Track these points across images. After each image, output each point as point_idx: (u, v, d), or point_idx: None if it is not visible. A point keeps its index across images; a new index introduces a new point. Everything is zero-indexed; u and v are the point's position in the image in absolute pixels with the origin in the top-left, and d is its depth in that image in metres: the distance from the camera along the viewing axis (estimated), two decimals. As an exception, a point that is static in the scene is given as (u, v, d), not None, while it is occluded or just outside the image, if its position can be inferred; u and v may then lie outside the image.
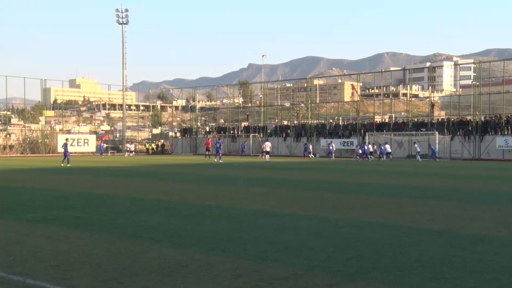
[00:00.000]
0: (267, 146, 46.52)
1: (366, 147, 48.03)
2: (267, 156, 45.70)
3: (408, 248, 7.75)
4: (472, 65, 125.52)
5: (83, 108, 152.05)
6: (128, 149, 60.15)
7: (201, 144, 71.38)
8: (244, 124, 72.52)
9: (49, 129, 76.20)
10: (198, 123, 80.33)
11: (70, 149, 59.42)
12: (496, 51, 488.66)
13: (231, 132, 69.25)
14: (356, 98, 75.99)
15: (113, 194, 15.75)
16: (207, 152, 47.21)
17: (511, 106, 60.11)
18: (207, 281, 5.95)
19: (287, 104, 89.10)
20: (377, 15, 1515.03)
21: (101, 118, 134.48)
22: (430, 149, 46.93)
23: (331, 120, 67.55)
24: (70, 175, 24.88)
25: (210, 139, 53.49)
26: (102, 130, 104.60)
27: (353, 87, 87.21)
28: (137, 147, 74.25)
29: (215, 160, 42.17)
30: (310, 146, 53.92)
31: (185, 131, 75.26)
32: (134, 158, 51.79)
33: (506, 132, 48.69)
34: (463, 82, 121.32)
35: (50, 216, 11.06)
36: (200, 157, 55.45)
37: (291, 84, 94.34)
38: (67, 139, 39.70)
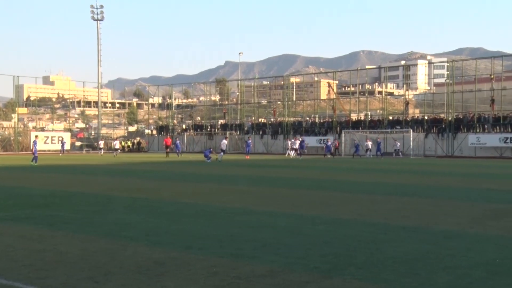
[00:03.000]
0: (297, 143, 47.24)
1: (294, 142, 47.86)
2: (293, 152, 46.92)
3: (383, 244, 7.85)
4: (446, 64, 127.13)
5: (57, 106, 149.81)
6: (113, 146, 58.76)
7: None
8: (221, 121, 72.36)
9: (22, 126, 74.96)
10: (175, 121, 79.91)
11: (44, 147, 59.07)
12: (468, 50, 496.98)
13: (208, 129, 69.07)
14: (332, 96, 76.47)
15: (89, 192, 15.57)
16: (167, 150, 48.64)
17: (483, 104, 61.17)
18: (184, 279, 5.93)
19: (264, 102, 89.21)
20: (353, 14, 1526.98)
21: (76, 116, 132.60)
22: (377, 145, 47.75)
23: (307, 118, 67.89)
24: (44, 173, 24.51)
25: (169, 137, 54.56)
26: (77, 128, 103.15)
27: (329, 85, 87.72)
28: (112, 144, 73.34)
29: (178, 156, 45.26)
30: (289, 143, 53.99)
31: (161, 129, 74.78)
32: (108, 157, 51.24)
33: (478, 130, 49.60)
34: (436, 80, 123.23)
35: (23, 214, 10.88)
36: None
37: (268, 82, 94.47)
38: (36, 137, 38.35)
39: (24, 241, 8.12)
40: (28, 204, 12.64)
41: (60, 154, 53.49)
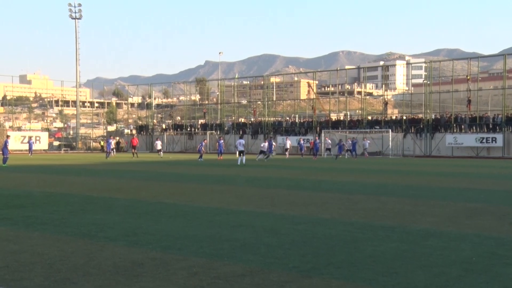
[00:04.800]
0: (288, 143, 47.50)
1: (265, 144, 44.20)
2: (287, 153, 46.52)
3: (362, 243, 7.91)
4: (423, 65, 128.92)
5: (34, 105, 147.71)
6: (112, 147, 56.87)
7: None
8: (201, 121, 72.19)
9: (-2, 126, 73.70)
10: (154, 120, 79.47)
11: (21, 147, 57.98)
12: (445, 51, 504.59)
13: (188, 129, 68.84)
14: (312, 96, 76.86)
15: (67, 192, 15.39)
16: (133, 150, 47.79)
17: (459, 105, 62.18)
18: (163, 279, 5.91)
19: (244, 102, 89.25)
20: (332, 14, 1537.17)
21: (54, 115, 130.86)
22: (352, 144, 47.69)
23: (287, 118, 68.09)
24: (21, 174, 24.14)
25: (136, 138, 53.95)
26: (55, 127, 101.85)
27: (309, 85, 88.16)
28: (91, 144, 72.72)
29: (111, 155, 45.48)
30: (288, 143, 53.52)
31: (141, 129, 74.35)
32: (88, 156, 50.69)
33: (455, 130, 50.33)
34: (415, 80, 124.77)
35: None
36: (156, 154, 54.85)
37: (248, 82, 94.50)
38: (8, 136, 36.30)
39: (0, 242, 7.99)
40: (4, 205, 12.44)
41: (30, 155, 49.39)
